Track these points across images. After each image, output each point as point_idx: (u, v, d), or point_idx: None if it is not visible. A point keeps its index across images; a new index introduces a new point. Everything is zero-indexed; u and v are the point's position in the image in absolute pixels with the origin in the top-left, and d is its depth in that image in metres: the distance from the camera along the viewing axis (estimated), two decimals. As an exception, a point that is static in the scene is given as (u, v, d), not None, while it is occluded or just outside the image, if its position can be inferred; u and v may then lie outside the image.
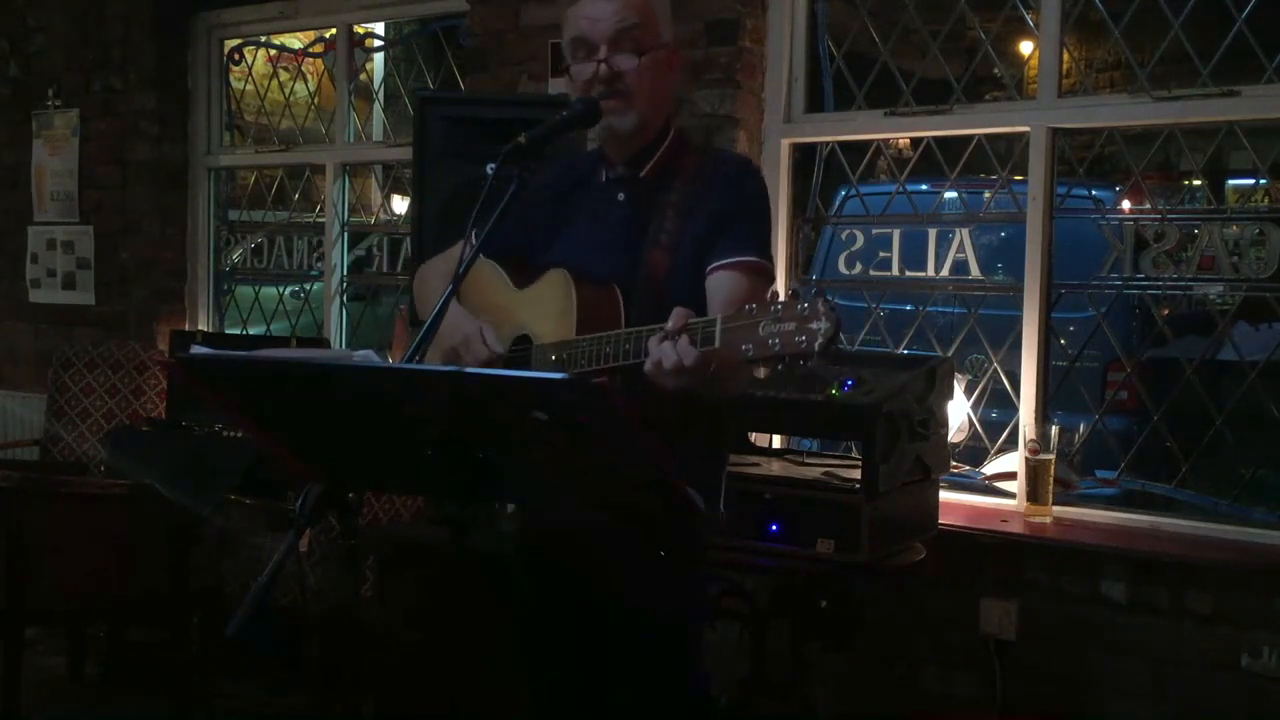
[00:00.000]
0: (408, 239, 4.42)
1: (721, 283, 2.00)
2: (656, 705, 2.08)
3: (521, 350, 2.12)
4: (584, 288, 2.02)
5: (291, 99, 5.22)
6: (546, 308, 2.07)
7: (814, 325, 1.59)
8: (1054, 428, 3.37)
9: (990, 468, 3.61)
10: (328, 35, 4.98)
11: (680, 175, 2.11)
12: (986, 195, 3.70)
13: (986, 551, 3.25)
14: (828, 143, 3.86)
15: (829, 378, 2.99)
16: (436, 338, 1.92)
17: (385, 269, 4.87)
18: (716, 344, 1.69)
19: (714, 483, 2.15)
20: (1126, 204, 3.86)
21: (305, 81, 5.26)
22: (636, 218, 2.10)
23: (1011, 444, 3.54)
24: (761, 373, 1.70)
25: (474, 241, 2.28)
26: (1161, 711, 3.09)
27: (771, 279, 2.05)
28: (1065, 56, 3.53)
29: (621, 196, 2.14)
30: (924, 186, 3.98)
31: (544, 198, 2.17)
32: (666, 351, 1.71)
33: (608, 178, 2.17)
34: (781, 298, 1.64)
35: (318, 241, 5.02)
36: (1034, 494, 3.34)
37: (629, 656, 2.07)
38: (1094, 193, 3.77)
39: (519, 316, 2.14)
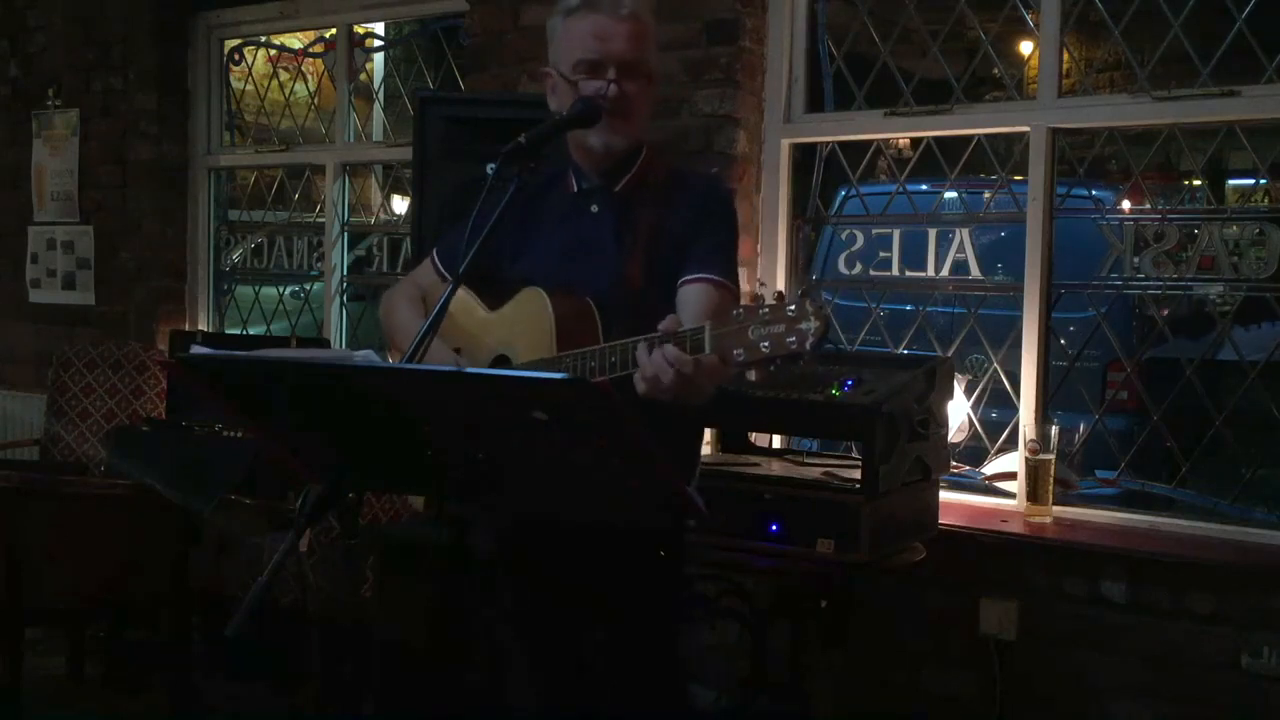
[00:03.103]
0: (408, 239, 4.41)
1: (694, 295, 2.03)
2: (643, 702, 2.08)
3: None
4: (560, 304, 2.03)
5: (291, 99, 5.22)
6: (523, 326, 2.07)
7: (803, 326, 1.62)
8: (1054, 428, 3.37)
9: (990, 468, 3.61)
10: (328, 35, 4.98)
11: (653, 190, 2.14)
12: (986, 195, 3.70)
13: (986, 551, 3.25)
14: (828, 143, 3.86)
15: (829, 378, 2.99)
16: None
17: (385, 269, 4.87)
18: (707, 350, 1.70)
19: (690, 480, 2.16)
20: (1126, 204, 3.86)
21: (305, 81, 5.26)
22: (611, 229, 2.12)
23: (1011, 444, 3.54)
24: (753, 375, 1.71)
25: (438, 265, 2.30)
26: (1161, 711, 3.09)
27: (737, 298, 2.10)
28: (1065, 56, 3.53)
29: (595, 208, 2.16)
30: (924, 186, 3.98)
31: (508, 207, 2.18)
32: (660, 364, 1.72)
33: (580, 189, 2.18)
34: (768, 301, 1.65)
35: (318, 241, 5.02)
36: (1034, 494, 3.34)
37: (617, 654, 2.08)
38: (1094, 193, 3.76)
39: (495, 337, 2.15)
